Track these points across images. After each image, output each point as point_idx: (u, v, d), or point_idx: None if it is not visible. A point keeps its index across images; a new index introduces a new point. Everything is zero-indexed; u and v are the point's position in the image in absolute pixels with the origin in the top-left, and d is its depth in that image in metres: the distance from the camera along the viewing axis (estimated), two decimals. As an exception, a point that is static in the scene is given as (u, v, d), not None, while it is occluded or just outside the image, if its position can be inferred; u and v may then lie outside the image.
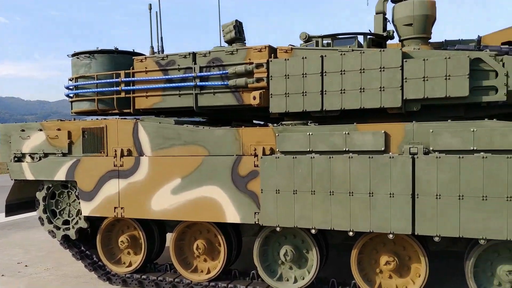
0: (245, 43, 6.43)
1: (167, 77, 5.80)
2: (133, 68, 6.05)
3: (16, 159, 6.32)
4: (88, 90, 6.29)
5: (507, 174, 4.08)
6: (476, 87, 4.52)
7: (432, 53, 4.67)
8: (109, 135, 5.80)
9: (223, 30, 6.40)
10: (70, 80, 6.60)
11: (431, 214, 4.31)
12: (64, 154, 6.04)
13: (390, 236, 4.52)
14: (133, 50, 6.66)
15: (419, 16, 5.38)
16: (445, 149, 4.34)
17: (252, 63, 5.33)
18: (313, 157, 4.72)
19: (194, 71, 5.65)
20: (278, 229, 4.99)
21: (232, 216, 5.16)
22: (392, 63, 4.68)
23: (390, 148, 4.57)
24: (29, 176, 6.24)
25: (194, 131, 5.39)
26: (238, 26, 6.36)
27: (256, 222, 5.05)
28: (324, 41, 5.63)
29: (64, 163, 5.99)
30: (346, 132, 4.67)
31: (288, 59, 5.10)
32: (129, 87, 6.03)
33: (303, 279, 5.24)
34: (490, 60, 4.49)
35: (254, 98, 5.27)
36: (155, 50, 6.58)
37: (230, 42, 6.29)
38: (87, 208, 5.90)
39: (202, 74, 5.60)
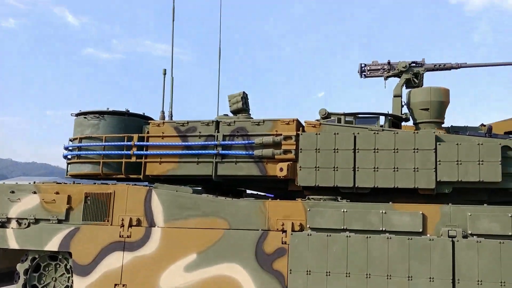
0: (250, 114, 6.38)
1: (186, 143, 5.56)
2: (147, 132, 5.78)
3: (0, 224, 5.64)
4: (93, 152, 5.88)
5: (548, 262, 4.08)
6: (506, 173, 4.64)
7: (463, 138, 4.81)
8: (117, 201, 5.36)
9: (229, 100, 6.33)
10: (71, 140, 6.19)
11: (474, 300, 4.18)
12: (59, 221, 5.47)
13: (431, 323, 4.30)
14: (143, 113, 6.42)
15: (435, 102, 5.61)
16: (483, 233, 4.33)
17: (280, 134, 5.24)
18: (349, 236, 4.54)
19: (217, 139, 5.47)
20: (303, 313, 4.63)
21: (254, 297, 4.76)
22: (426, 145, 4.75)
23: (427, 229, 4.50)
24: (13, 245, 5.55)
25: (214, 202, 5.10)
26: (245, 97, 6.34)
27: (282, 306, 4.68)
28: (346, 119, 5.68)
29: (58, 231, 5.41)
30: (383, 211, 4.58)
31: (319, 134, 5.07)
32: (141, 152, 5.71)
33: None
34: (518, 149, 4.66)
35: (281, 169, 5.13)
36: (166, 115, 6.41)
37: (236, 112, 6.20)
38: (81, 284, 5.25)
39: (225, 142, 5.43)
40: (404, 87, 5.96)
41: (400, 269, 4.38)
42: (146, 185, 5.51)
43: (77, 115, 6.27)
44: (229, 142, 5.43)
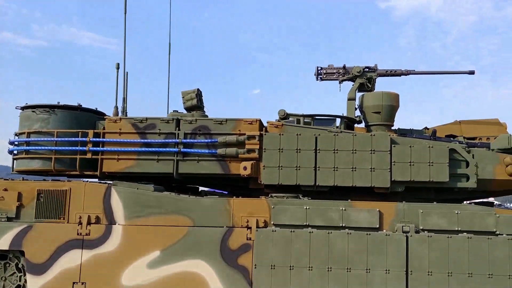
0: (205, 111, 6.41)
1: (145, 140, 5.48)
2: (103, 128, 5.62)
3: None
4: (44, 147, 5.60)
5: (488, 254, 4.56)
6: (452, 174, 5.10)
7: (415, 141, 5.20)
8: (73, 199, 5.18)
9: (183, 97, 6.31)
10: (17, 134, 5.85)
11: (424, 289, 4.56)
12: (9, 219, 5.17)
13: (386, 312, 4.63)
14: (96, 108, 6.22)
15: (387, 106, 5.97)
16: (433, 229, 4.73)
17: (243, 134, 5.34)
18: (312, 232, 4.76)
19: (178, 137, 5.45)
20: (268, 307, 4.78)
21: (218, 293, 4.83)
22: (382, 147, 5.09)
23: (383, 225, 4.83)
24: (-42, 244, 5.17)
25: (178, 200, 5.10)
26: (199, 94, 6.37)
27: (247, 300, 4.80)
28: (304, 120, 5.89)
29: (9, 230, 5.12)
30: (343, 208, 4.84)
31: (282, 134, 5.23)
32: (98, 148, 5.54)
33: None
34: (462, 151, 5.14)
35: (245, 168, 5.23)
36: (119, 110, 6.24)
37: (189, 109, 6.20)
38: (35, 284, 5.02)
39: (187, 140, 5.42)
40: (357, 91, 6.28)
41: (359, 262, 4.67)
42: (103, 183, 5.35)
43: (23, 108, 5.93)
44: (191, 141, 5.43)
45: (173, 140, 5.44)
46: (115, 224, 5.06)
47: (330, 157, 5.13)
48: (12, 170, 5.97)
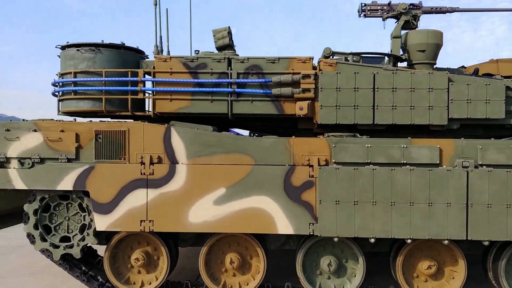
0: (235, 50, 6.31)
1: (198, 80, 5.42)
2: (153, 67, 5.51)
3: (-2, 164, 5.20)
4: (93, 88, 5.51)
5: (542, 186, 4.81)
6: (508, 111, 5.22)
7: (471, 79, 5.26)
8: (132, 140, 5.18)
9: (214, 36, 6.17)
10: (61, 75, 5.71)
11: (483, 221, 4.83)
12: (69, 160, 5.18)
13: (446, 242, 4.92)
14: (137, 47, 6.06)
15: (432, 44, 5.97)
16: (492, 164, 4.92)
17: (298, 73, 5.31)
18: (375, 169, 4.90)
19: (231, 76, 5.40)
20: (336, 239, 5.02)
21: (284, 227, 5.03)
22: (439, 85, 5.14)
23: (442, 162, 4.99)
24: (19, 185, 5.19)
25: (239, 139, 5.15)
26: (230, 33, 6.24)
27: (311, 233, 5.02)
28: (353, 58, 5.86)
29: (71, 170, 5.15)
30: (404, 146, 4.97)
31: (339, 72, 5.23)
32: (151, 88, 5.48)
33: None
34: (517, 89, 5.24)
35: (301, 108, 5.27)
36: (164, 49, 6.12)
37: (221, 48, 6.10)
38: (103, 222, 5.14)
39: (241, 80, 5.38)
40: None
41: (421, 196, 4.87)
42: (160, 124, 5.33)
43: (64, 47, 5.76)
44: (245, 80, 5.39)
45: (227, 80, 5.39)
46: (178, 164, 5.12)
47: (388, 95, 5.18)
48: (58, 112, 5.89)
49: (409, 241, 4.96)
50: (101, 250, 5.81)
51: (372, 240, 4.97)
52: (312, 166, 5.03)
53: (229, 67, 5.45)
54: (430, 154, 4.96)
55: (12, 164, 5.21)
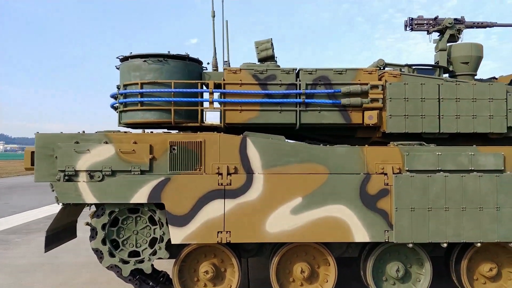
0: (276, 61, 6.47)
1: (267, 91, 5.51)
2: (223, 79, 5.56)
3: (66, 177, 5.07)
4: (162, 99, 5.49)
5: None
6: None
7: (526, 90, 5.61)
8: (208, 150, 5.19)
9: (257, 47, 6.33)
10: (124, 86, 5.66)
11: (547, 223, 5.14)
12: (142, 172, 5.13)
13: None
14: (198, 58, 6.09)
15: (475, 57, 6.35)
16: (549, 168, 5.26)
17: (366, 83, 5.50)
18: (447, 176, 5.13)
19: (300, 87, 5.52)
20: (411, 245, 5.19)
21: (360, 235, 5.16)
22: (499, 95, 5.46)
23: (506, 168, 5.28)
24: (90, 199, 5.08)
25: (314, 149, 5.26)
26: (272, 44, 6.40)
27: (387, 240, 5.16)
28: (408, 69, 6.11)
29: (145, 183, 5.09)
30: (472, 153, 5.23)
31: (407, 84, 5.45)
32: (222, 99, 5.53)
33: None
34: None
35: (371, 117, 5.45)
36: (224, 60, 6.18)
37: (264, 59, 6.23)
38: (179, 235, 5.10)
39: (310, 91, 5.52)
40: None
41: (490, 201, 5.14)
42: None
43: (126, 58, 5.71)
44: (314, 91, 5.53)
45: (296, 91, 5.51)
46: (253, 174, 5.16)
47: (452, 105, 5.45)
48: (119, 123, 5.82)
49: (478, 244, 5.20)
50: (158, 264, 5.75)
51: (445, 245, 5.18)
52: (386, 174, 5.20)
53: (297, 79, 5.58)
54: (495, 160, 5.24)
55: (81, 177, 5.10)
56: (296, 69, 5.61)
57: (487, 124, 5.46)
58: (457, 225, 5.13)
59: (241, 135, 5.27)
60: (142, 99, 5.53)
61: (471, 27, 6.67)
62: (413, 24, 6.63)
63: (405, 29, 6.70)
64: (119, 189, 5.07)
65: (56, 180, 5.07)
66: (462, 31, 6.59)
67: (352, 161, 5.24)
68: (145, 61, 5.57)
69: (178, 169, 5.15)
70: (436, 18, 6.55)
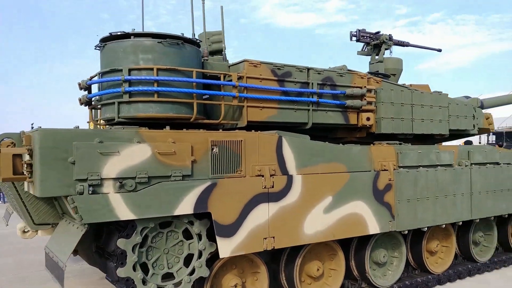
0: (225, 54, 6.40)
1: (284, 89, 5.33)
2: (245, 72, 5.09)
3: (91, 189, 3.80)
4: (182, 90, 4.66)
5: None
6: None
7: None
8: (248, 151, 4.70)
9: (208, 38, 6.14)
10: (131, 70, 4.56)
11: None
12: (183, 177, 4.28)
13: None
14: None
15: (400, 70, 7.59)
16: None
17: (364, 87, 5.92)
18: (428, 170, 6.04)
19: (312, 86, 5.55)
20: (406, 232, 5.87)
21: (373, 227, 5.56)
22: (444, 104, 6.71)
23: (455, 162, 6.55)
24: (125, 215, 3.92)
25: (336, 148, 5.38)
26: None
27: (390, 230, 5.72)
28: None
29: (190, 190, 4.26)
30: (437, 151, 6.29)
31: (393, 90, 6.13)
32: (247, 95, 5.06)
33: None
34: None
35: (368, 119, 5.92)
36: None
37: (214, 53, 6.11)
38: (228, 247, 4.45)
39: (323, 91, 5.61)
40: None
41: (450, 190, 6.29)
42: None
43: (129, 35, 4.62)
44: (324, 91, 5.64)
45: (311, 90, 5.51)
46: (287, 174, 4.94)
47: (419, 110, 6.41)
48: (118, 115, 4.61)
49: (444, 226, 6.31)
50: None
51: (425, 229, 6.09)
52: (386, 170, 5.74)
53: (308, 77, 5.56)
54: (449, 157, 6.43)
55: (108, 187, 3.90)
56: (307, 68, 5.57)
57: (438, 126, 6.63)
58: (434, 212, 6.10)
59: (274, 134, 4.95)
60: (158, 88, 4.55)
61: (397, 44, 7.84)
62: (358, 36, 7.35)
63: (351, 39, 7.37)
64: (161, 200, 4.09)
65: (77, 193, 3.72)
66: (391, 46, 7.68)
67: (364, 159, 5.58)
68: (160, 42, 4.59)
69: (220, 172, 4.49)
70: (377, 33, 7.44)
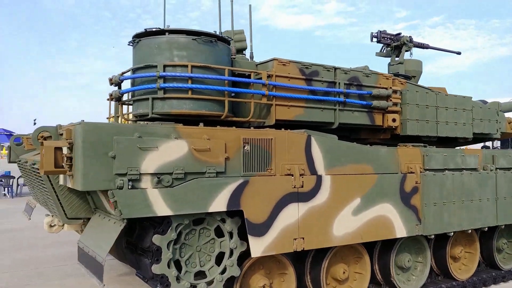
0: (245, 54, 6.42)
1: (312, 88, 5.32)
2: (274, 71, 5.08)
3: (131, 183, 3.79)
4: (216, 87, 4.66)
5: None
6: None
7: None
8: (278, 149, 4.68)
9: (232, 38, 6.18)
10: (166, 66, 4.56)
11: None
12: (217, 174, 4.26)
13: None
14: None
15: (420, 72, 7.57)
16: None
17: (390, 88, 5.90)
18: (454, 174, 6.00)
19: (339, 86, 5.54)
20: (432, 236, 5.82)
21: (400, 231, 5.50)
22: (468, 107, 6.68)
23: (480, 166, 6.51)
24: (163, 211, 3.90)
25: (363, 149, 5.35)
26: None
27: (417, 233, 5.66)
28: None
29: (224, 187, 4.24)
30: (462, 155, 6.25)
31: (417, 91, 6.11)
32: (277, 93, 5.05)
33: None
34: None
35: (394, 120, 5.90)
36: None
37: (239, 51, 6.17)
38: (259, 246, 4.42)
39: (349, 91, 5.59)
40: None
41: (475, 195, 6.24)
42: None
43: (161, 31, 4.62)
44: (351, 91, 5.62)
45: (338, 89, 5.49)
46: (316, 174, 4.91)
47: (443, 112, 6.38)
48: (152, 111, 4.61)
49: (469, 231, 6.24)
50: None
51: (452, 234, 6.03)
52: (413, 173, 5.70)
53: (335, 77, 5.55)
54: (474, 160, 6.38)
55: (147, 182, 3.88)
56: (334, 67, 5.56)
57: (462, 130, 6.60)
58: (460, 216, 6.04)
59: (303, 133, 4.92)
60: (192, 85, 4.54)
61: (417, 46, 7.83)
62: (379, 37, 7.35)
63: (371, 40, 7.37)
64: (197, 196, 4.07)
65: (117, 188, 3.71)
66: (411, 48, 7.67)
67: (391, 161, 5.55)
68: (194, 39, 4.60)
69: (251, 170, 4.46)
70: (398, 34, 7.44)
